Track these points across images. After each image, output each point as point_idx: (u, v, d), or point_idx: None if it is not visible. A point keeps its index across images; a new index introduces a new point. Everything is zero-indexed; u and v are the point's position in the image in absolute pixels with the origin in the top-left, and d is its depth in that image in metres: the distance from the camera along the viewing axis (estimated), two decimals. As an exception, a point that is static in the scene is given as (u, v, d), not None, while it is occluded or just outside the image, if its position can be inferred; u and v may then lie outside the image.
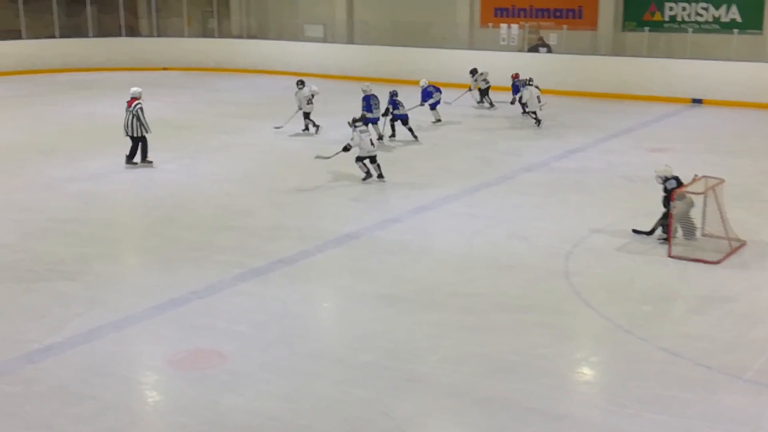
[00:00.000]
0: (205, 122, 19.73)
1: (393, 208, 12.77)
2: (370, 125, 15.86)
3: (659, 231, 10.95)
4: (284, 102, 17.98)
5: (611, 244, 11.03)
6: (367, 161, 14.07)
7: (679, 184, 10.71)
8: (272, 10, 30.74)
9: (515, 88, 20.44)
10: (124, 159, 15.12)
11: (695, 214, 10.87)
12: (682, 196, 10.58)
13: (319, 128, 18.18)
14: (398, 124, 17.56)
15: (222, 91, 22.51)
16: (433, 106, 19.33)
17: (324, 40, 29.23)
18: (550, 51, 25.47)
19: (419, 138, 17.47)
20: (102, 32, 29.45)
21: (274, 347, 8.12)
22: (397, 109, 17.41)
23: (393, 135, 17.65)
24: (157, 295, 9.33)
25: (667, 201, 10.72)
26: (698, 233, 10.91)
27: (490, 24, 26.75)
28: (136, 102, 14.96)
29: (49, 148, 16.69)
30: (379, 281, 9.85)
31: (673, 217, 10.54)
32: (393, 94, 17.49)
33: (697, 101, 22.37)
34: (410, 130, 17.54)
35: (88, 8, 28.73)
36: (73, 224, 11.98)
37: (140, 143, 15.14)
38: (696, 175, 10.90)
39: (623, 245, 10.96)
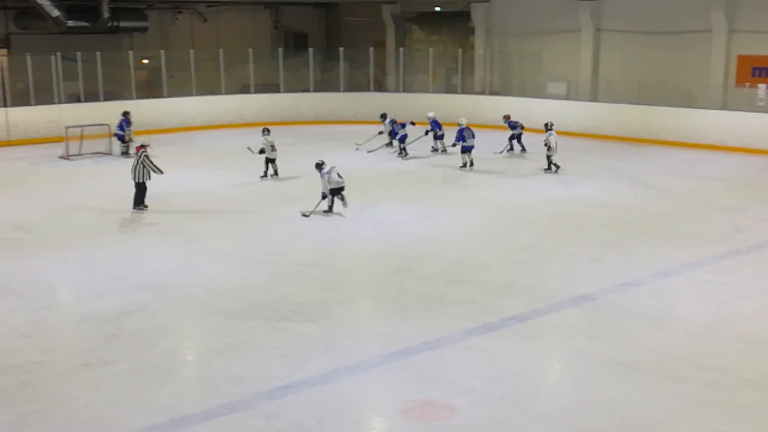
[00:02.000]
0: (440, 176, 20.11)
1: (632, 272, 12.28)
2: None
3: None
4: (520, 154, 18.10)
5: None
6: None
7: None
8: (516, 68, 30.94)
9: (512, 126, 22.68)
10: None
11: None
12: None
13: (278, 176, 19.31)
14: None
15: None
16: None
17: (566, 98, 28.96)
18: (813, 113, 23.66)
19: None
20: (352, 87, 30.98)
21: (503, 405, 8.01)
22: (464, 141, 20.42)
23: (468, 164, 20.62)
24: (391, 344, 9.53)
25: None
26: None
27: (747, 84, 25.26)
28: (142, 150, 16.01)
29: (295, 196, 17.61)
30: (615, 347, 9.47)
31: None
32: (462, 130, 20.54)
33: None
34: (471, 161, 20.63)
35: (341, 65, 30.40)
36: (315, 269, 12.53)
37: (141, 189, 16.06)
38: None
39: None
